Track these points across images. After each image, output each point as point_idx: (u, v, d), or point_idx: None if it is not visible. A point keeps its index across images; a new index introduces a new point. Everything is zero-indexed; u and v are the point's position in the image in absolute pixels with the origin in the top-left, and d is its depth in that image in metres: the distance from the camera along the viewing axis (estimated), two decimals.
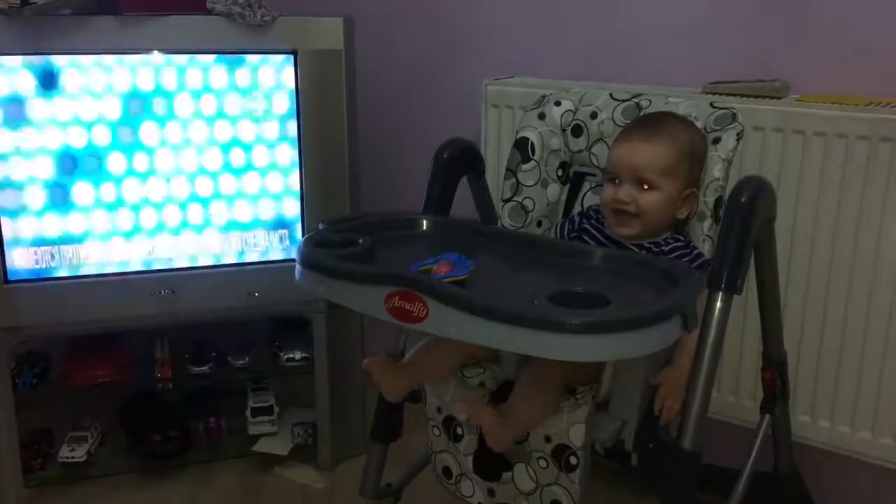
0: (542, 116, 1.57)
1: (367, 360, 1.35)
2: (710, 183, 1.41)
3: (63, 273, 1.88)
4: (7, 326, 1.87)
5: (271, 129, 1.95)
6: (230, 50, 1.88)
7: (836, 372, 1.72)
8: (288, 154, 1.96)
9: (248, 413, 2.16)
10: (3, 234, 1.82)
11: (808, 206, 1.68)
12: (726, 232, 1.23)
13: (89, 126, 1.83)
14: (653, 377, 1.32)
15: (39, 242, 1.85)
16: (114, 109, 1.84)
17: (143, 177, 1.89)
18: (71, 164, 1.84)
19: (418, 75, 2.33)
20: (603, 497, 1.90)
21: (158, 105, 1.87)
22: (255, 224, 1.99)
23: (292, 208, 2.00)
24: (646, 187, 1.38)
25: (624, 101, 1.55)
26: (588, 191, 1.60)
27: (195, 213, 1.94)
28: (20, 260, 1.85)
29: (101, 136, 1.84)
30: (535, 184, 1.56)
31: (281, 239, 2.01)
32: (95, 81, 1.81)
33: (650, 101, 1.53)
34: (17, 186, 1.82)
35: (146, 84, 1.85)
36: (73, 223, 1.87)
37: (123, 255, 1.91)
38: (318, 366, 2.09)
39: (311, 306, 2.01)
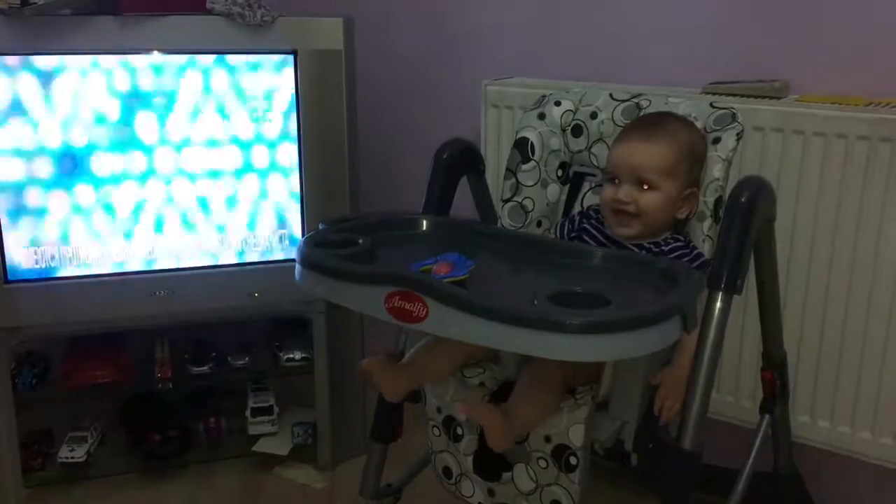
0: (541, 116, 1.57)
1: (364, 361, 1.35)
2: (709, 183, 1.41)
3: (63, 273, 1.88)
4: (7, 326, 1.87)
5: (271, 129, 1.95)
6: (230, 50, 1.88)
7: (836, 372, 1.72)
8: (288, 154, 1.96)
9: (248, 413, 2.16)
10: (3, 234, 1.82)
11: (808, 206, 1.68)
12: (726, 232, 1.23)
13: (89, 126, 1.83)
14: (653, 377, 1.32)
15: (39, 242, 1.85)
16: (113, 110, 1.84)
17: (143, 177, 1.89)
18: (71, 163, 1.84)
19: (418, 75, 2.33)
20: (603, 497, 1.90)
21: (158, 105, 1.87)
22: (254, 224, 1.99)
23: (292, 208, 2.00)
24: (646, 187, 1.38)
25: (624, 101, 1.55)
26: (588, 191, 1.60)
27: (195, 213, 1.94)
28: (20, 260, 1.85)
29: (101, 136, 1.84)
30: (535, 184, 1.56)
31: (281, 239, 2.01)
32: (95, 81, 1.81)
33: (650, 101, 1.53)
34: (18, 186, 1.82)
35: (146, 84, 1.85)
36: (73, 223, 1.86)
37: (123, 255, 1.91)
38: (318, 366, 2.09)
39: (311, 306, 2.01)
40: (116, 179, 1.87)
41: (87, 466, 2.06)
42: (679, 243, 1.40)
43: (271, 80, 1.92)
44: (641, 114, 1.51)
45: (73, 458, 2.04)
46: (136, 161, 1.88)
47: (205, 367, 2.14)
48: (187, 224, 1.94)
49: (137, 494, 2.03)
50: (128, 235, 1.91)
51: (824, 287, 1.70)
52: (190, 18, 1.84)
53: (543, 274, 1.27)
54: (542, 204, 1.57)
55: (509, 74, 2.10)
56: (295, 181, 1.97)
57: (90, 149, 1.84)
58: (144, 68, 1.84)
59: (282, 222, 2.00)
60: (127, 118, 1.85)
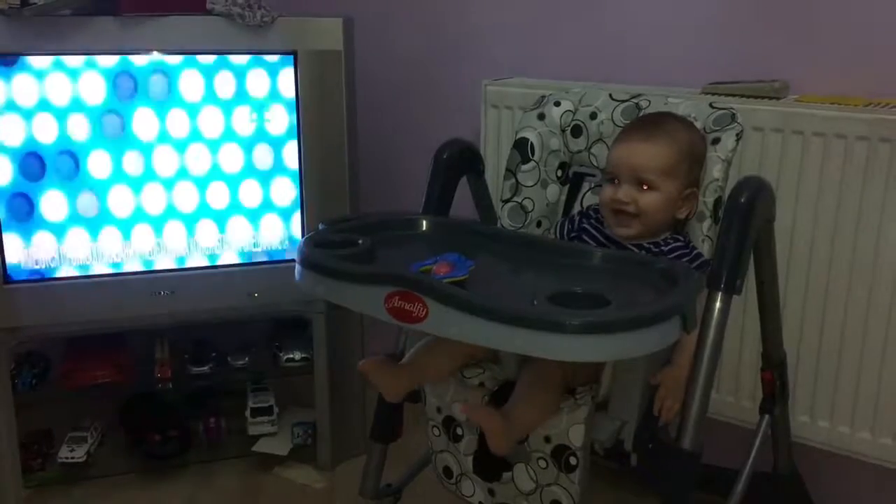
0: (541, 117, 1.57)
1: (364, 361, 1.35)
2: (709, 183, 1.41)
3: (63, 273, 1.88)
4: (7, 327, 1.87)
5: (271, 130, 1.95)
6: (230, 50, 1.88)
7: (836, 372, 1.72)
8: (287, 154, 1.96)
9: (247, 413, 2.16)
10: (3, 234, 1.82)
11: (808, 206, 1.68)
12: (725, 232, 1.23)
13: (90, 126, 1.83)
14: (652, 377, 1.32)
15: (39, 243, 1.85)
16: (113, 109, 1.84)
17: (143, 178, 1.89)
18: (71, 163, 1.84)
19: (418, 76, 2.33)
20: (603, 497, 1.90)
21: (158, 106, 1.87)
22: (254, 224, 1.99)
23: (292, 208, 2.00)
24: (645, 187, 1.38)
25: (623, 101, 1.55)
26: (587, 191, 1.60)
27: (195, 213, 1.94)
28: (20, 260, 1.85)
29: (101, 136, 1.84)
30: (535, 184, 1.56)
31: (281, 239, 2.01)
32: (94, 81, 1.81)
33: (650, 101, 1.53)
34: (18, 186, 1.82)
35: (146, 85, 1.85)
36: (73, 223, 1.87)
37: (123, 255, 1.91)
38: (317, 366, 2.09)
39: (311, 306, 2.01)
40: (116, 180, 1.87)
41: (87, 466, 2.06)
42: (679, 243, 1.40)
43: (271, 81, 1.92)
44: (641, 114, 1.51)
45: (73, 458, 2.04)
46: (136, 161, 1.88)
47: (205, 368, 2.14)
48: (187, 224, 1.94)
49: (137, 494, 2.03)
50: (128, 235, 1.91)
51: (824, 287, 1.70)
52: (190, 19, 1.84)
53: (543, 274, 1.27)
54: (541, 204, 1.57)
55: (509, 74, 2.10)
56: (295, 181, 1.98)
57: (90, 149, 1.84)
58: (144, 68, 1.84)
59: (281, 222, 2.00)
60: (127, 119, 1.85)
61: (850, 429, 1.73)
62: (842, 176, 1.64)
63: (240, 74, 1.90)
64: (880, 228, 1.62)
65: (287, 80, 1.91)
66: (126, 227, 1.90)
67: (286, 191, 1.98)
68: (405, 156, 2.36)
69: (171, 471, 2.11)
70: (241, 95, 1.91)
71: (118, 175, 1.87)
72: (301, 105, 1.91)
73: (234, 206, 1.96)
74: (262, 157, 1.96)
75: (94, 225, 1.88)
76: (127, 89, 1.84)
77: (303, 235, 1.94)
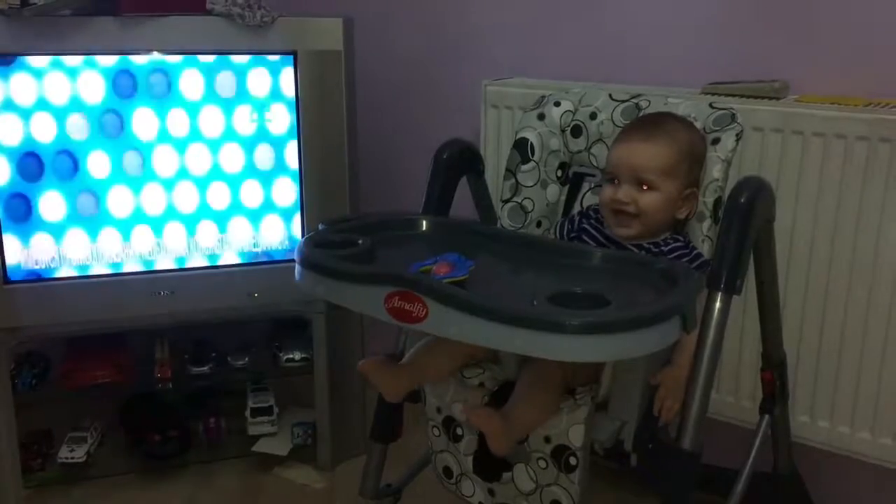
0: (541, 117, 1.57)
1: (362, 362, 1.35)
2: (709, 183, 1.41)
3: (63, 273, 1.88)
4: (7, 327, 1.87)
5: (271, 130, 1.95)
6: (230, 51, 1.88)
7: (836, 372, 1.72)
8: (287, 155, 1.96)
9: (247, 413, 2.16)
10: (3, 234, 1.82)
11: (808, 206, 1.68)
12: (725, 232, 1.23)
13: (89, 126, 1.83)
14: (652, 377, 1.32)
15: (39, 243, 1.85)
16: (112, 108, 1.84)
17: (142, 178, 1.89)
18: (70, 163, 1.84)
19: (418, 76, 2.33)
20: (603, 497, 1.90)
21: (157, 106, 1.87)
22: (254, 224, 1.99)
23: (292, 208, 2.00)
24: (645, 188, 1.38)
25: (623, 101, 1.55)
26: (587, 191, 1.60)
27: (195, 213, 1.94)
28: (20, 260, 1.84)
29: (101, 136, 1.85)
30: (535, 184, 1.56)
31: (280, 239, 2.01)
32: (94, 81, 1.81)
33: (649, 101, 1.53)
34: (17, 186, 1.82)
35: (145, 84, 1.85)
36: (73, 223, 1.86)
37: (123, 255, 1.91)
38: (317, 366, 2.09)
39: (310, 307, 2.01)
40: (115, 180, 1.87)
41: (86, 467, 2.06)
42: (678, 244, 1.40)
43: (271, 81, 1.92)
44: (641, 114, 1.51)
45: (72, 458, 2.04)
46: (136, 161, 1.88)
47: (205, 368, 2.14)
48: (187, 224, 1.94)
49: (137, 495, 2.03)
50: (127, 236, 1.91)
51: (824, 287, 1.70)
52: (190, 19, 1.84)
53: (543, 274, 1.27)
54: (541, 204, 1.57)
55: (509, 74, 2.10)
56: (295, 181, 1.97)
57: (89, 149, 1.84)
58: (144, 67, 1.84)
59: (281, 222, 2.00)
60: (127, 119, 1.85)
61: (850, 429, 1.73)
62: (842, 176, 1.64)
63: (241, 73, 1.90)
64: (880, 228, 1.62)
65: (288, 79, 1.91)
66: (125, 227, 1.90)
67: (288, 191, 1.98)
68: (405, 156, 2.36)
69: (171, 471, 2.11)
70: (242, 94, 1.91)
71: (117, 175, 1.87)
72: (301, 105, 1.91)
73: (235, 207, 1.96)
74: (262, 156, 1.95)
75: (93, 226, 1.88)
76: (126, 88, 1.84)
77: (303, 235, 1.94)
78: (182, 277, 1.94)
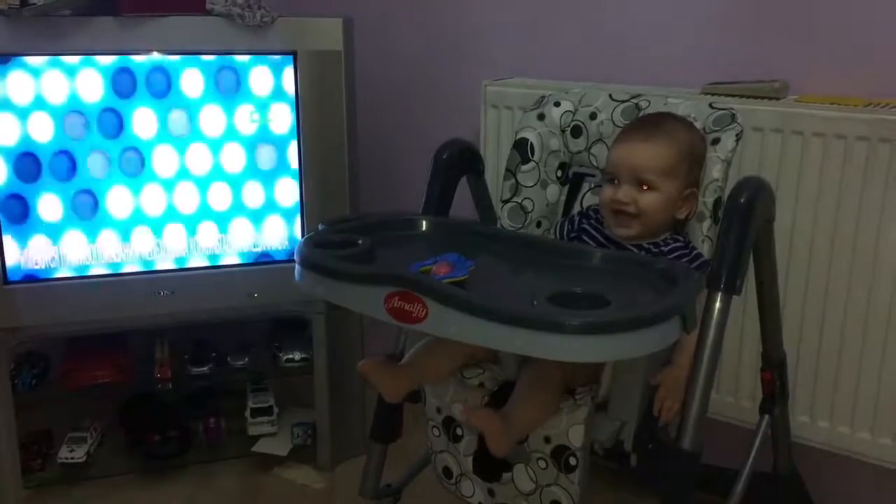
0: (541, 117, 1.57)
1: (362, 363, 1.34)
2: (709, 184, 1.41)
3: (62, 273, 1.88)
4: (7, 327, 1.87)
5: (271, 130, 1.95)
6: (230, 51, 1.88)
7: (836, 372, 1.72)
8: (288, 154, 1.96)
9: (247, 413, 2.16)
10: (3, 234, 1.82)
11: (808, 206, 1.68)
12: (725, 232, 1.23)
13: (89, 126, 1.83)
14: (652, 377, 1.32)
15: (39, 243, 1.85)
16: (110, 108, 1.84)
17: (142, 178, 1.89)
18: (70, 163, 1.84)
19: (418, 76, 2.33)
20: (603, 497, 1.90)
21: (157, 106, 1.87)
22: (254, 224, 1.99)
23: (292, 208, 1.99)
24: (645, 188, 1.38)
25: (623, 101, 1.55)
26: (587, 191, 1.60)
27: (195, 213, 1.94)
28: (20, 260, 1.84)
29: (101, 136, 1.84)
30: (535, 184, 1.56)
31: (280, 239, 2.01)
32: (94, 81, 1.81)
33: (649, 101, 1.53)
34: (17, 186, 1.82)
35: (144, 83, 1.85)
36: (73, 223, 1.86)
37: (123, 255, 1.91)
38: (317, 366, 2.09)
39: (310, 307, 2.01)
40: (114, 180, 1.87)
41: (86, 467, 2.06)
42: (678, 244, 1.40)
43: (271, 81, 1.92)
44: (641, 114, 1.51)
45: (72, 458, 2.04)
46: (135, 161, 1.87)
47: (205, 368, 2.14)
48: (187, 225, 1.94)
49: (137, 495, 2.03)
50: (127, 236, 1.91)
51: (824, 287, 1.70)
52: (190, 19, 1.84)
53: (543, 274, 1.27)
54: (541, 204, 1.57)
55: (509, 75, 2.10)
56: (294, 181, 1.97)
57: (87, 149, 1.84)
58: (143, 65, 1.84)
59: (281, 223, 2.00)
60: (126, 119, 1.85)
61: (850, 429, 1.73)
62: (842, 176, 1.64)
63: (242, 72, 1.90)
64: (880, 228, 1.62)
65: (287, 81, 1.91)
66: (125, 228, 1.90)
67: (290, 191, 1.98)
68: (405, 156, 2.36)
69: (170, 471, 2.10)
70: (244, 93, 1.91)
71: (116, 176, 1.87)
72: (301, 105, 1.91)
73: (237, 208, 1.96)
74: (262, 156, 1.95)
75: (91, 227, 1.88)
76: (126, 87, 1.84)
77: (302, 236, 1.93)
78: (182, 277, 1.94)
